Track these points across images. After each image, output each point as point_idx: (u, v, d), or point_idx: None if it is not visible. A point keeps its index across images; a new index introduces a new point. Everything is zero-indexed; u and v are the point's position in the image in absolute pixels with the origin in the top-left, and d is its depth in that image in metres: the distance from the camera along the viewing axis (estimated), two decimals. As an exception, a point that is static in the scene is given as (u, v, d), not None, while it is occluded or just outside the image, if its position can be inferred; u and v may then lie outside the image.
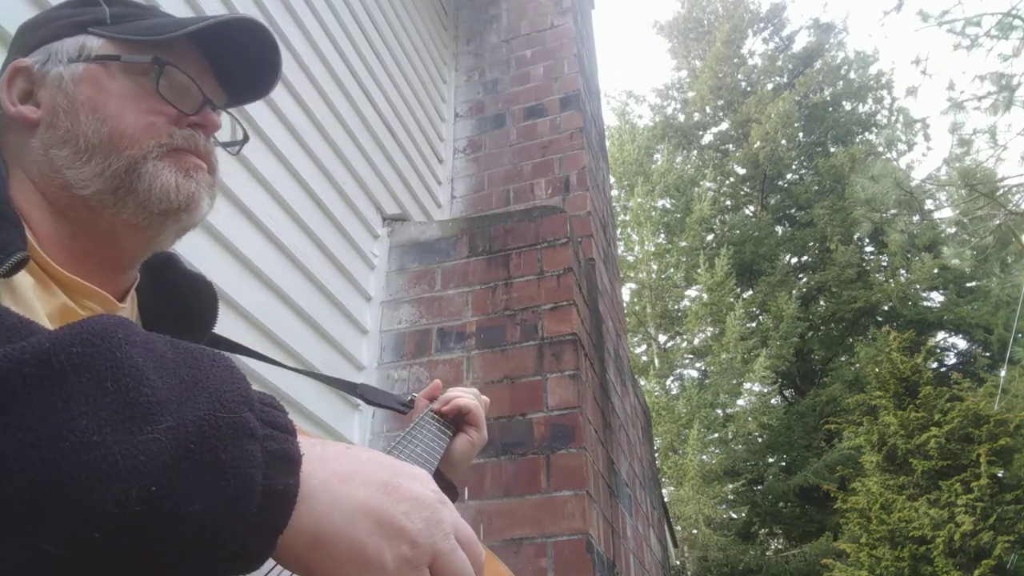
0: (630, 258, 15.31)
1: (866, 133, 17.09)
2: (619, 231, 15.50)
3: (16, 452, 0.31)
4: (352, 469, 0.43)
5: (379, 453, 0.47)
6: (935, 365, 13.25)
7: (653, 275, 14.93)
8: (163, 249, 0.75)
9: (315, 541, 0.40)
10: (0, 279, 0.55)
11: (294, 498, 0.39)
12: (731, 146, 18.20)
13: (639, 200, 15.33)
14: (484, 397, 1.06)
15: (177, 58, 0.72)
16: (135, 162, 0.67)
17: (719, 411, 12.94)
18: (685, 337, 15.00)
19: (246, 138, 0.85)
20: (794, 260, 16.41)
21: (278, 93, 2.10)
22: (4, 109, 0.69)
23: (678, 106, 19.26)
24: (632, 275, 15.11)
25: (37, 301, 0.60)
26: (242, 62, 0.78)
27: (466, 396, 1.01)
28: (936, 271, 13.23)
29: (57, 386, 0.33)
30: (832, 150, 16.63)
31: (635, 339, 15.15)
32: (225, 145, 0.83)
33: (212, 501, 0.35)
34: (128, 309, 0.74)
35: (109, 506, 0.32)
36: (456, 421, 1.00)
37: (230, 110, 0.83)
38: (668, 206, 16.65)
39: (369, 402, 1.07)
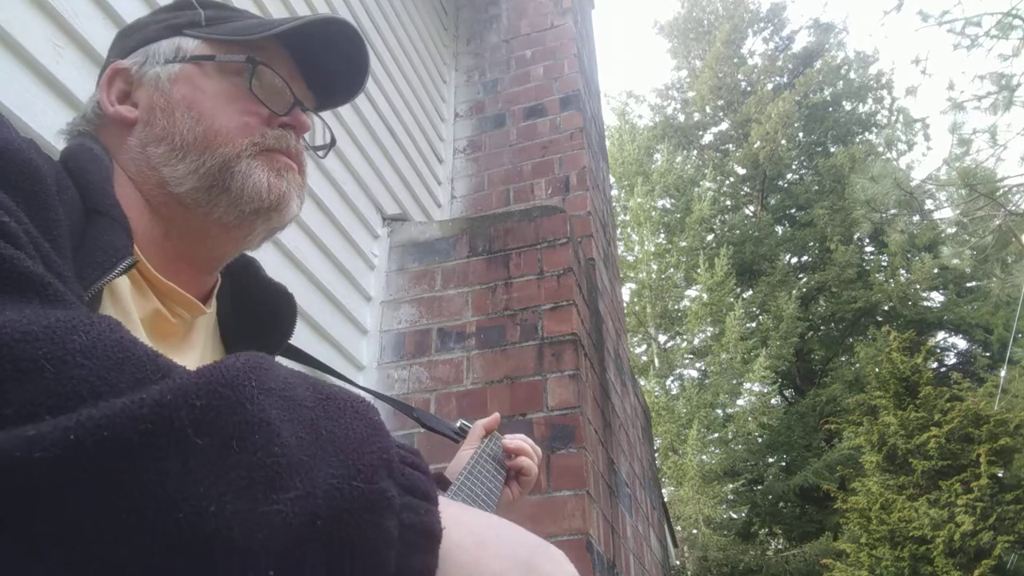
0: (630, 258, 15.32)
1: (866, 133, 17.10)
2: (619, 231, 15.50)
3: (126, 520, 0.28)
4: (489, 535, 0.40)
5: (517, 526, 0.43)
6: (935, 365, 13.25)
7: (653, 275, 14.93)
8: (252, 249, 0.76)
9: None
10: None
11: None
12: (731, 146, 18.21)
13: (639, 200, 15.33)
14: (539, 449, 1.06)
15: (269, 59, 0.73)
16: (228, 161, 0.67)
17: (719, 411, 12.94)
18: (685, 337, 15.01)
19: (334, 141, 0.86)
20: (794, 260, 16.41)
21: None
22: (103, 109, 0.70)
23: (678, 106, 19.26)
24: (632, 275, 15.12)
25: (132, 305, 0.61)
26: (331, 64, 0.78)
27: (532, 460, 1.02)
28: (936, 271, 13.23)
29: (175, 447, 0.30)
30: (832, 150, 16.64)
31: (635, 339, 15.15)
32: (315, 149, 0.83)
33: None
34: (212, 314, 0.74)
35: None
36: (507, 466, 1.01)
37: (319, 114, 0.83)
38: (668, 206, 16.66)
39: (424, 426, 1.07)
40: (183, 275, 0.68)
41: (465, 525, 0.39)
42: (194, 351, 0.70)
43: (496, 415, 1.07)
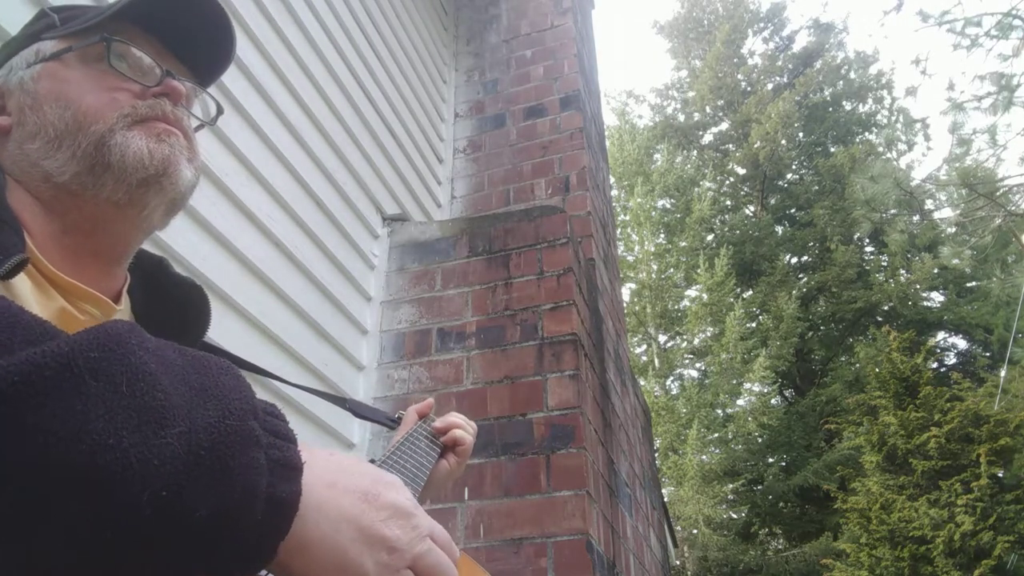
0: (630, 258, 15.32)
1: (866, 133, 17.10)
2: (619, 231, 15.50)
3: (37, 454, 0.32)
4: (335, 477, 0.45)
5: (357, 460, 0.49)
6: (935, 365, 13.25)
7: (653, 275, 14.93)
8: (155, 230, 0.75)
9: (300, 547, 0.42)
10: None
11: (296, 505, 0.40)
12: (731, 146, 18.21)
13: (639, 200, 15.33)
14: (474, 424, 1.09)
15: (130, 38, 0.73)
16: (102, 136, 0.67)
17: (719, 411, 12.95)
18: (685, 337, 15.01)
19: (220, 110, 0.85)
20: (794, 260, 16.41)
21: (278, 93, 2.10)
22: None
23: (678, 106, 19.26)
24: (632, 275, 15.12)
25: (36, 305, 0.61)
26: (196, 36, 0.78)
27: (465, 431, 1.05)
28: (936, 271, 13.23)
29: (76, 390, 0.34)
30: (832, 150, 16.64)
31: (635, 339, 15.15)
32: (204, 124, 0.84)
33: (219, 507, 0.36)
34: (123, 312, 0.74)
35: (122, 509, 0.33)
36: (443, 443, 1.04)
37: (205, 90, 0.83)
38: (668, 206, 16.66)
39: (358, 416, 1.09)
40: (89, 272, 0.68)
41: (314, 469, 0.43)
42: None
43: (429, 400, 1.10)
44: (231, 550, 0.37)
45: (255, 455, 0.39)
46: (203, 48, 0.80)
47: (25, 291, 0.60)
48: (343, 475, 0.46)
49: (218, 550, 0.37)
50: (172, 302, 0.81)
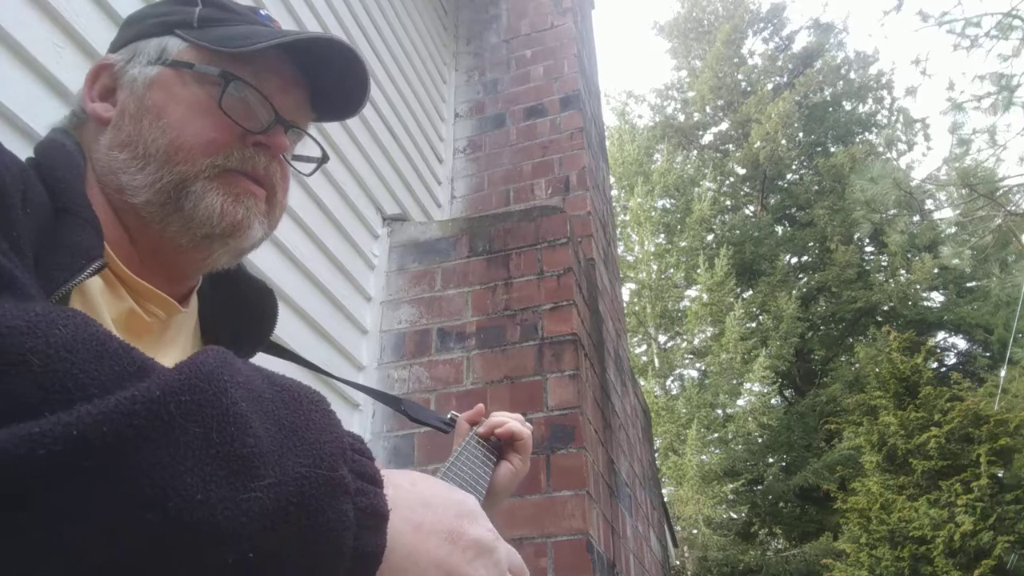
0: (630, 258, 15.32)
1: (866, 133, 17.10)
2: (619, 231, 15.50)
3: (120, 511, 0.30)
4: (421, 516, 0.44)
5: (440, 484, 0.48)
6: (935, 365, 13.24)
7: (653, 275, 14.94)
8: (219, 268, 0.72)
9: None
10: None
11: (380, 557, 0.39)
12: (731, 146, 18.21)
13: (639, 200, 15.34)
14: (528, 424, 1.02)
15: (258, 70, 0.69)
16: (185, 179, 0.64)
17: (719, 411, 12.95)
18: (685, 337, 15.02)
19: (325, 158, 0.82)
20: (794, 260, 16.42)
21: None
22: (84, 104, 0.69)
23: (678, 106, 19.27)
24: (632, 275, 15.12)
25: (105, 305, 0.60)
26: (331, 80, 0.75)
27: (517, 422, 0.98)
28: (936, 271, 13.23)
29: (165, 439, 0.32)
30: (832, 150, 16.64)
31: (635, 339, 15.15)
32: (301, 160, 0.80)
33: (304, 565, 0.35)
34: (190, 313, 0.73)
35: (208, 570, 0.32)
36: (499, 446, 0.98)
37: (310, 130, 0.80)
38: (668, 206, 16.67)
39: (411, 418, 1.05)
40: (156, 275, 0.66)
41: (400, 509, 0.42)
42: (171, 349, 0.68)
43: (479, 406, 1.04)
44: None
45: (344, 507, 0.37)
46: (333, 92, 0.76)
47: (96, 290, 0.59)
48: (428, 512, 0.45)
49: None
50: (242, 301, 0.79)
